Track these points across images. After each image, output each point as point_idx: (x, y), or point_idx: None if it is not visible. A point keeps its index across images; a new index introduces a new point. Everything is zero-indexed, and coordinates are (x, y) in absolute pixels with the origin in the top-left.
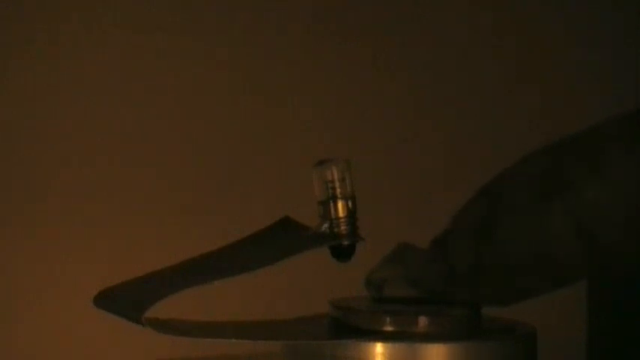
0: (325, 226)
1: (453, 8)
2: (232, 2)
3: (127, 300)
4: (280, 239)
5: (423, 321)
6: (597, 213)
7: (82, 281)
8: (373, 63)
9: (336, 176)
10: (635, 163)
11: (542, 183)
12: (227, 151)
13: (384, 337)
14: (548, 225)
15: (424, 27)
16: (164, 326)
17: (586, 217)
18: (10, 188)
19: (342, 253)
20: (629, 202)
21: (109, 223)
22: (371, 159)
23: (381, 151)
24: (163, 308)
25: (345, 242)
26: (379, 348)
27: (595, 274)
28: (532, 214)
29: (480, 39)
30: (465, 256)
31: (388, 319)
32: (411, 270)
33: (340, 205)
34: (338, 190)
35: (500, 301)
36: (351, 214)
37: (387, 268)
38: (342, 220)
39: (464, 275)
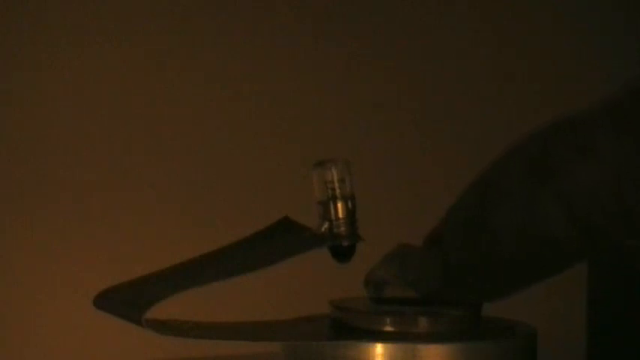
0: (325, 226)
1: (453, 8)
2: (235, 5)
3: (126, 301)
4: (280, 240)
5: (423, 321)
6: (589, 198)
7: (82, 281)
8: (373, 64)
9: (335, 177)
10: (626, 149)
11: (534, 170)
12: (227, 152)
13: (384, 337)
14: (541, 211)
15: (424, 28)
16: (164, 327)
17: (579, 201)
18: (11, 189)
19: (342, 254)
20: (619, 187)
21: (108, 223)
22: (371, 159)
23: (380, 151)
24: (163, 309)
25: (345, 243)
26: (379, 349)
27: (594, 273)
28: (525, 200)
29: (480, 40)
30: (461, 247)
31: (388, 320)
32: (409, 270)
33: (340, 205)
34: (338, 191)
35: (499, 293)
36: (351, 215)
37: (385, 268)
38: (342, 220)
39: (462, 270)
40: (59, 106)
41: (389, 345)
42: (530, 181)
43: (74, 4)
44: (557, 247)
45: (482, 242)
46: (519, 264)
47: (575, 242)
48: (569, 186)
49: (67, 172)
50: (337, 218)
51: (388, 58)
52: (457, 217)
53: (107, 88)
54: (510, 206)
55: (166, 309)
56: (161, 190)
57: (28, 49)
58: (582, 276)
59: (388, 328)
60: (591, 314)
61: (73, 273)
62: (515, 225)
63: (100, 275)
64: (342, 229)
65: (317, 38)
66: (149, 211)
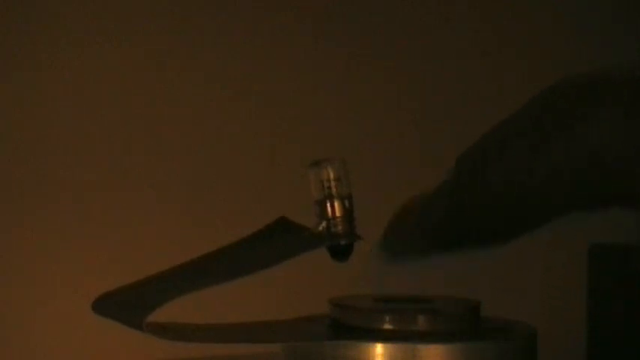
0: (322, 225)
1: (453, 8)
2: (235, 5)
3: (126, 306)
4: (279, 240)
5: (422, 320)
6: (611, 146)
7: (82, 281)
8: (373, 64)
9: (332, 175)
10: (634, 128)
11: (537, 131)
12: (227, 152)
13: (383, 336)
14: (561, 151)
15: (424, 28)
16: (165, 331)
17: (600, 148)
18: (11, 189)
19: (340, 253)
20: (633, 165)
21: (108, 223)
22: (370, 159)
23: (380, 151)
24: (163, 310)
25: (343, 242)
26: (379, 349)
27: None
28: (543, 141)
29: (480, 40)
30: (472, 184)
31: (388, 318)
32: (422, 217)
33: (337, 204)
34: (334, 190)
35: (510, 232)
36: (348, 214)
37: (398, 224)
38: (339, 219)
39: (472, 206)
40: (59, 106)
41: (389, 345)
42: (550, 128)
43: (74, 4)
44: (559, 205)
45: (495, 179)
46: (529, 203)
47: (579, 202)
48: (592, 134)
49: (67, 172)
50: (334, 217)
51: (388, 58)
52: (470, 157)
53: (107, 88)
54: (511, 163)
55: (165, 311)
56: (161, 190)
57: (28, 49)
58: (582, 276)
59: (387, 327)
60: (591, 314)
61: (73, 273)
62: (516, 182)
63: (100, 275)
64: (340, 227)
65: (317, 38)
66: (149, 211)
